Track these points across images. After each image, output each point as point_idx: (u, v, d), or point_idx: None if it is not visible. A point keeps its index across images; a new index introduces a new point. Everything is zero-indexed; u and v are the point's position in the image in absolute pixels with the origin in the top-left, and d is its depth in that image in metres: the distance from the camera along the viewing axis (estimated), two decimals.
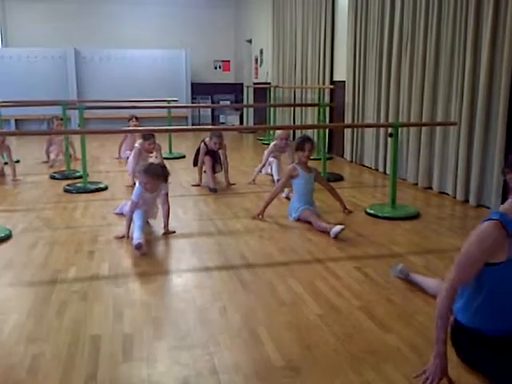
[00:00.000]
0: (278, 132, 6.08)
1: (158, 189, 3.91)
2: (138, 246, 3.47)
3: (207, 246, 3.74)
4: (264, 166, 5.89)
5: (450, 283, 1.87)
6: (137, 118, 7.62)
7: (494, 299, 1.93)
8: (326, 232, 3.92)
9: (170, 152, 7.71)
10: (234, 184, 5.74)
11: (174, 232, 3.99)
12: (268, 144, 7.93)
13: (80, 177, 5.79)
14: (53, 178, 6.20)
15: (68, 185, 5.62)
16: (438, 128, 5.29)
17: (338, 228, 3.82)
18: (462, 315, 2.04)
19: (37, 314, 2.62)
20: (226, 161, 5.71)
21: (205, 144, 5.67)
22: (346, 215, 4.48)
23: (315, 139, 7.66)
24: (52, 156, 7.23)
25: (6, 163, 6.28)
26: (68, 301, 2.77)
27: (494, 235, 1.79)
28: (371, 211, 4.51)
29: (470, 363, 2.05)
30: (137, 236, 3.58)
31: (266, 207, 4.41)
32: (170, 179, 5.75)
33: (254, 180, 5.74)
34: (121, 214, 4.35)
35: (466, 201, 4.90)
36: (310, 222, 4.13)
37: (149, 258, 3.49)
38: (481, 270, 1.86)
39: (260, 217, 4.37)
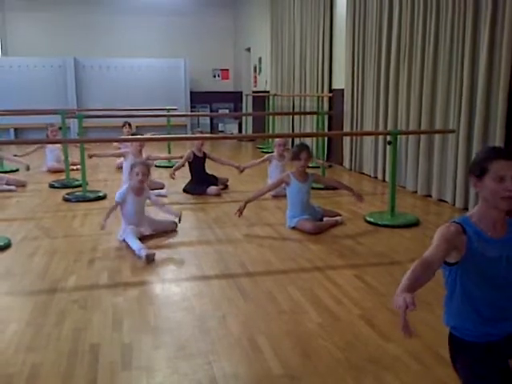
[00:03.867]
0: (276, 139, 6.14)
1: (145, 190, 4.01)
2: (150, 256, 3.50)
3: (206, 254, 3.73)
4: (254, 165, 6.00)
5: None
6: (130, 125, 7.63)
7: (464, 301, 1.94)
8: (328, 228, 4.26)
9: (169, 160, 7.71)
10: None
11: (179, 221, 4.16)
12: (267, 152, 7.95)
13: (79, 185, 5.80)
14: (52, 186, 6.20)
15: (67, 193, 5.62)
16: (437, 136, 5.31)
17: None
18: (447, 317, 2.05)
19: (36, 323, 2.61)
20: None
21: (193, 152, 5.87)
22: (360, 203, 4.55)
23: (314, 147, 7.69)
24: (56, 165, 7.23)
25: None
26: (67, 310, 2.77)
27: (450, 228, 1.85)
28: (370, 219, 4.51)
29: (455, 370, 2.05)
30: (138, 246, 3.60)
31: (247, 203, 4.32)
32: (167, 187, 5.89)
33: (242, 170, 5.89)
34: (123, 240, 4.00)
35: (466, 208, 4.90)
36: (309, 232, 4.17)
37: (148, 266, 3.48)
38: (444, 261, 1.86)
39: (239, 214, 4.26)
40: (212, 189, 5.70)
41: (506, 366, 1.75)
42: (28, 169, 6.31)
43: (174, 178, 5.67)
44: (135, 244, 3.66)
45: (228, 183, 6.13)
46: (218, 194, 5.68)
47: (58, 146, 7.22)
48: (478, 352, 1.90)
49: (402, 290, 1.63)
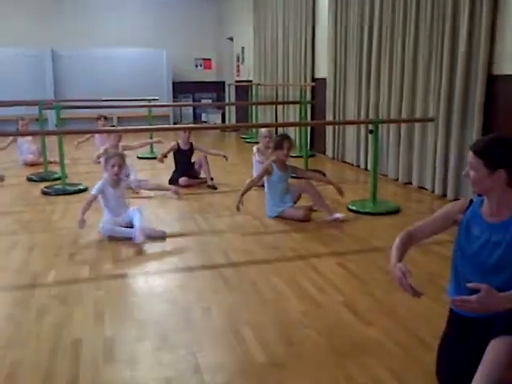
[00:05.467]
0: (261, 131, 6.08)
1: (122, 180, 3.97)
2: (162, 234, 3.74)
3: (190, 245, 3.72)
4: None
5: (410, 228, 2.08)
6: (105, 118, 7.56)
7: (453, 273, 2.02)
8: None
9: (152, 151, 7.65)
10: None
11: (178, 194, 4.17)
12: (251, 142, 7.93)
13: (58, 178, 5.71)
14: (30, 180, 6.10)
15: (46, 187, 5.53)
16: (417, 124, 5.34)
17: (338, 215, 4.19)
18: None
19: (15, 319, 2.57)
20: None
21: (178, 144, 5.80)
22: (341, 199, 4.46)
23: (297, 137, 7.71)
24: (32, 157, 7.14)
25: None
26: (47, 305, 2.73)
27: (456, 205, 2.05)
28: (353, 207, 4.53)
29: None
30: (130, 231, 3.67)
31: (242, 196, 4.23)
32: (150, 179, 5.84)
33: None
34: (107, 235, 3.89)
35: (444, 195, 4.96)
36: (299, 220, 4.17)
37: (130, 258, 3.46)
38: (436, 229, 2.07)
39: (240, 207, 4.18)
40: (183, 180, 5.63)
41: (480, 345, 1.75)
42: (3, 179, 6.06)
43: (162, 162, 5.73)
44: (126, 231, 3.71)
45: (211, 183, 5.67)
46: (188, 186, 5.58)
47: (29, 138, 7.13)
48: (458, 324, 1.96)
49: (394, 262, 1.88)
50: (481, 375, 1.63)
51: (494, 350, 1.63)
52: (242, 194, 4.28)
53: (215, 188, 5.52)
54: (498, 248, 1.84)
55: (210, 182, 5.59)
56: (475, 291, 1.64)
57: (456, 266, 1.99)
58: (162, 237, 3.85)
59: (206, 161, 5.67)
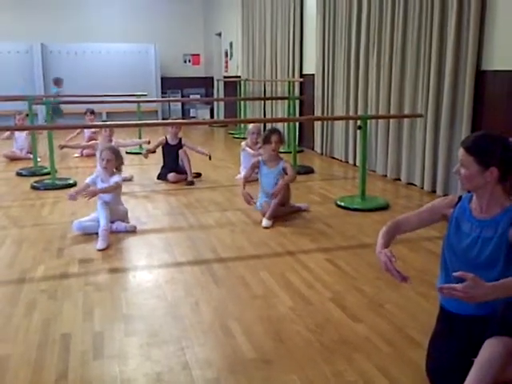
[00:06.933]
0: (249, 127, 6.06)
1: (111, 176, 3.92)
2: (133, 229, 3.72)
3: (178, 240, 3.72)
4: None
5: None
6: (92, 112, 7.53)
7: (441, 268, 2.05)
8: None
9: (140, 147, 7.62)
10: None
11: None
12: (239, 138, 7.91)
13: (48, 173, 5.69)
14: (19, 174, 6.07)
15: (35, 181, 5.51)
16: (406, 120, 5.37)
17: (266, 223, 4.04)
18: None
19: (4, 314, 2.56)
20: None
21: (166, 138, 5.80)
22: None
23: (285, 132, 7.70)
24: (19, 153, 7.13)
25: None
26: (37, 300, 2.72)
27: (445, 200, 2.06)
28: (341, 203, 4.56)
29: None
30: (104, 229, 3.63)
31: (244, 190, 4.21)
32: (136, 175, 5.82)
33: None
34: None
35: (433, 191, 5.00)
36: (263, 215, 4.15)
37: (119, 254, 3.45)
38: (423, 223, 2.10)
39: (249, 199, 4.19)
40: (171, 175, 5.65)
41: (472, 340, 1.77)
42: None
43: (146, 157, 5.78)
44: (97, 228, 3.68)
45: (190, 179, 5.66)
46: (177, 181, 5.59)
47: (24, 133, 7.11)
48: (448, 318, 1.97)
49: (380, 248, 1.95)
50: (475, 375, 1.63)
51: (488, 349, 1.64)
52: (244, 188, 4.24)
53: (192, 183, 5.53)
54: (489, 244, 1.85)
55: (189, 178, 5.58)
56: (462, 282, 1.65)
57: (445, 261, 2.01)
58: (133, 231, 3.88)
59: (186, 156, 5.65)
